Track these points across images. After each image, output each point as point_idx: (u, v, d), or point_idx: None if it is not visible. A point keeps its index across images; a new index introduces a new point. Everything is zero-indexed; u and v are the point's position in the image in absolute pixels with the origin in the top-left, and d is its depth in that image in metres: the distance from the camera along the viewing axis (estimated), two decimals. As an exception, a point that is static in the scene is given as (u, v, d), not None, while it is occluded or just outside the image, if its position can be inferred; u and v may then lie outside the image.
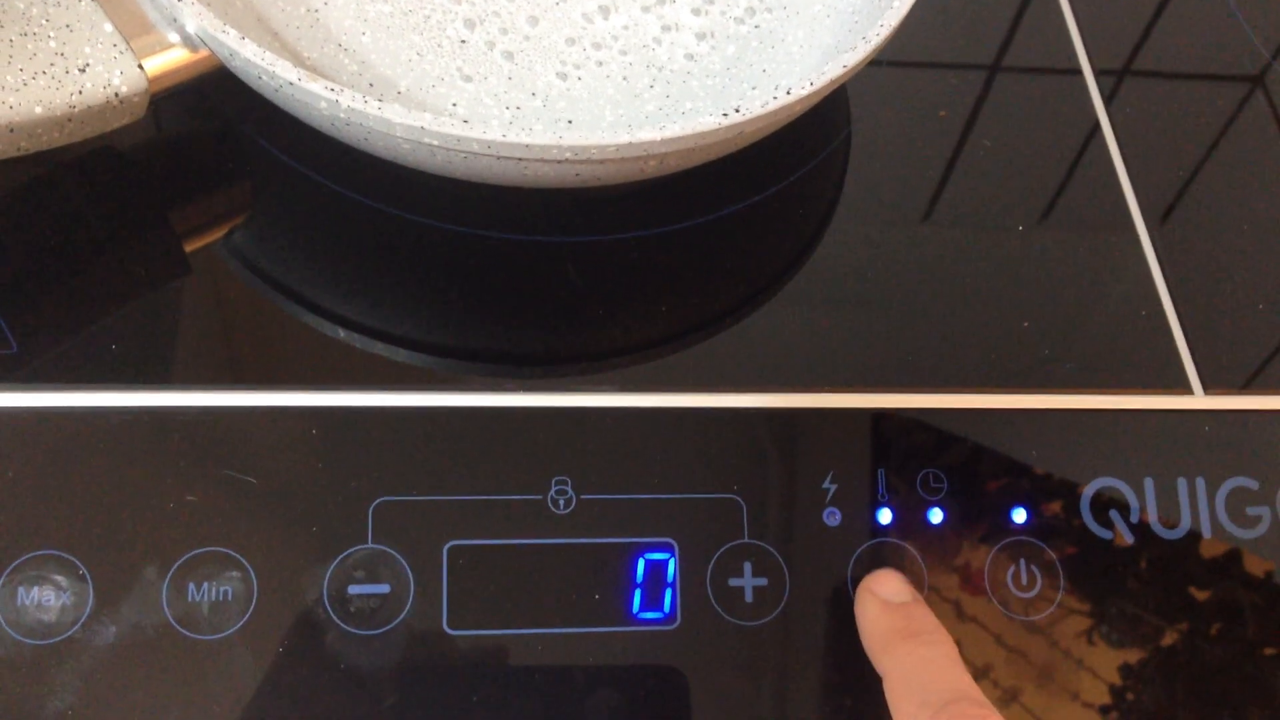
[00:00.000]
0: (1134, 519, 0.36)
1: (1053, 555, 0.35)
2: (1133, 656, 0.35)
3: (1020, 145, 0.45)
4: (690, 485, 0.34)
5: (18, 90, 0.32)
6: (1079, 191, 0.44)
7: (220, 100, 0.41)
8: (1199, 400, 0.38)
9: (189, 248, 0.38)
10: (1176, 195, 0.45)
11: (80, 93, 0.33)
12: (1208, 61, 0.50)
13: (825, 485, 0.35)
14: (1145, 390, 0.38)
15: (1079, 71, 0.48)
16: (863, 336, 0.39)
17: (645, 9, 0.43)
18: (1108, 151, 0.45)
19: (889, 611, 0.33)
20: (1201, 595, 0.36)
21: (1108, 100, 0.47)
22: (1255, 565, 0.36)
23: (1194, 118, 0.48)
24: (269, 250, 0.38)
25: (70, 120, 0.33)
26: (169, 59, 0.34)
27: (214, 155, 0.40)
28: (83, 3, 0.34)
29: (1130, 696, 0.35)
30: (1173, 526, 0.36)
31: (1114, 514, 0.36)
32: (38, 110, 0.32)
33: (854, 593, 0.34)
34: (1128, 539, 0.36)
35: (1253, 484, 0.37)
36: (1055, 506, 0.36)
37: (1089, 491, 0.36)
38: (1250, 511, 0.36)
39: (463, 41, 0.41)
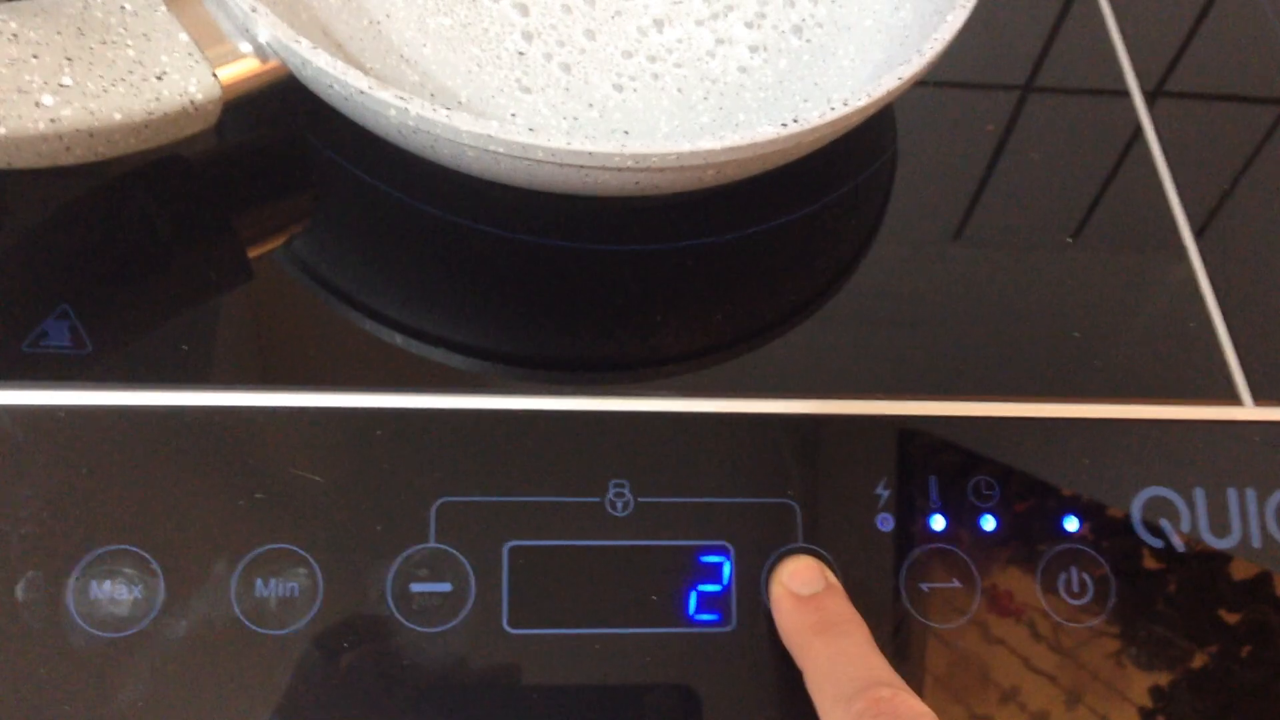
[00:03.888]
0: (1185, 528, 0.36)
1: (1104, 562, 0.35)
2: (1187, 663, 0.35)
3: (1066, 162, 0.46)
4: (746, 489, 0.35)
5: (98, 97, 0.33)
6: (1126, 205, 0.44)
7: (282, 108, 0.41)
8: (1249, 411, 0.38)
9: (253, 254, 0.39)
10: (1223, 207, 0.45)
11: (157, 100, 0.34)
12: (1253, 79, 0.50)
13: (878, 491, 0.35)
14: (1195, 401, 0.38)
15: (1125, 91, 0.49)
16: (915, 344, 0.39)
17: (699, 23, 0.44)
18: (1154, 166, 0.46)
19: (801, 607, 0.33)
20: (1256, 609, 0.36)
21: (1154, 116, 0.48)
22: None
23: (1240, 132, 0.48)
24: (330, 256, 0.39)
25: (147, 127, 0.34)
26: (240, 68, 0.35)
27: (276, 162, 0.41)
28: (158, 13, 0.35)
29: (1160, 704, 0.35)
30: (1223, 536, 0.36)
31: (1164, 523, 0.36)
32: (116, 117, 0.33)
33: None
34: (1178, 548, 0.36)
35: (1304, 495, 0.37)
36: (1106, 515, 0.36)
37: (1139, 501, 0.36)
38: (1301, 522, 0.37)
39: (521, 54, 0.42)
